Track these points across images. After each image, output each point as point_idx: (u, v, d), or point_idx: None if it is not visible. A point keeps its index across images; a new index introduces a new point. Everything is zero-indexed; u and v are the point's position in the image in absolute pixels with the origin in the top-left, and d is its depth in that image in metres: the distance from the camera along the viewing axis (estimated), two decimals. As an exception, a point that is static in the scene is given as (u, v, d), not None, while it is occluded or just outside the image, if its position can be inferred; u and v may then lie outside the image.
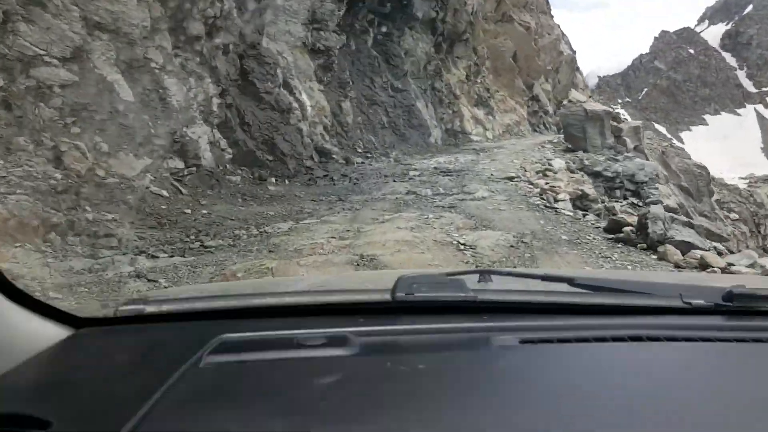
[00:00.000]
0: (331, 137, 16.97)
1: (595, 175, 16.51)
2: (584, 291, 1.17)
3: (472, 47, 28.35)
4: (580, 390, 0.82)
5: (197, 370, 0.85)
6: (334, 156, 15.40)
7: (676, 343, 0.97)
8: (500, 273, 1.53)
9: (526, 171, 15.07)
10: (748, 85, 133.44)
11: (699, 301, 1.08)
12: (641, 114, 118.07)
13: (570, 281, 1.21)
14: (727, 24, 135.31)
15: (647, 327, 1.02)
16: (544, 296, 1.17)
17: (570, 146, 19.45)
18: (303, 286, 1.75)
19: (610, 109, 18.06)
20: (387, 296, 1.07)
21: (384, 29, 22.47)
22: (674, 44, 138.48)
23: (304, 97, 15.63)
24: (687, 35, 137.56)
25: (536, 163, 16.48)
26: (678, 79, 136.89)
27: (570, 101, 17.60)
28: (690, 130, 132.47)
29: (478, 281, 1.38)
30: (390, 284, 1.11)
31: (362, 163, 16.05)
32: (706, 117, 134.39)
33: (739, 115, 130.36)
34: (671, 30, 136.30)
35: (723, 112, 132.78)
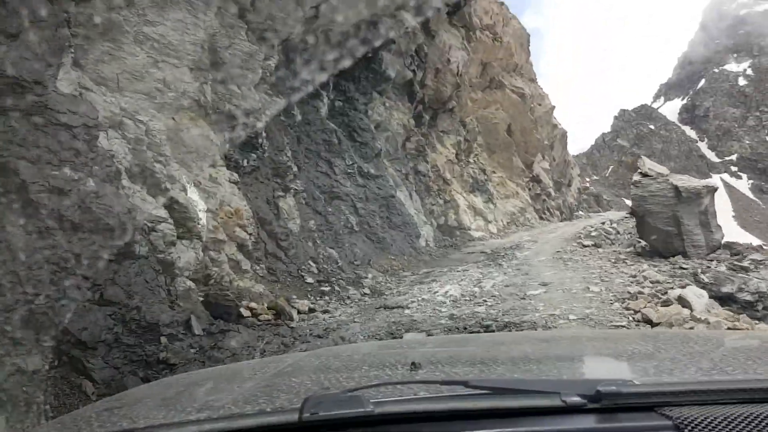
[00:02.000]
0: (255, 264, 9.10)
1: (723, 300, 8.97)
2: (478, 392, 1.18)
3: (459, 119, 21.40)
4: None
5: None
6: (249, 312, 7.44)
7: None
8: (407, 382, 1.45)
9: (626, 303, 7.35)
10: (711, 156, 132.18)
11: (574, 399, 1.09)
12: (610, 190, 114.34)
13: (465, 384, 1.21)
14: (682, 99, 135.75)
15: None
16: (437, 404, 1.17)
17: (645, 246, 11.90)
18: (248, 385, 1.74)
19: (713, 184, 10.59)
20: (295, 417, 1.09)
21: (345, 93, 15.27)
22: (634, 121, 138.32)
23: (192, 195, 7.92)
24: (645, 112, 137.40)
25: (620, 283, 8.79)
26: (642, 154, 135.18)
27: (643, 173, 10.05)
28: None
29: (385, 393, 1.33)
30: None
31: (308, 317, 8.07)
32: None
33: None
34: (629, 108, 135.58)
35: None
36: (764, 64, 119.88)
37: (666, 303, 7.38)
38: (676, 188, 10.71)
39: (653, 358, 1.69)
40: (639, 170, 11.65)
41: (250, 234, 9.04)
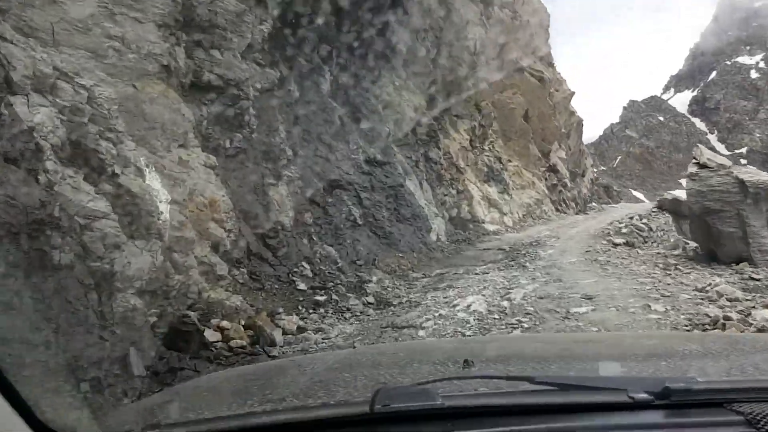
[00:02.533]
0: (233, 268, 7.34)
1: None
2: (543, 388, 1.17)
3: (474, 102, 19.50)
4: None
5: None
6: (219, 334, 5.69)
7: None
8: (472, 377, 1.45)
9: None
10: (721, 148, 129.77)
11: (642, 395, 1.07)
12: (618, 181, 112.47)
13: (531, 380, 1.21)
14: (693, 91, 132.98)
15: (599, 428, 1.07)
16: (505, 398, 1.19)
17: (696, 249, 10.10)
18: (303, 379, 1.71)
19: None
20: (366, 408, 1.07)
21: (350, 69, 13.42)
22: (643, 112, 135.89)
23: (151, 183, 6.15)
24: (655, 103, 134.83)
25: (689, 300, 7.00)
26: (651, 145, 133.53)
27: (700, 164, 8.17)
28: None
29: (449, 388, 1.31)
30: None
31: (296, 338, 6.27)
32: (683, 181, 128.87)
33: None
34: (639, 99, 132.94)
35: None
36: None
37: (762, 329, 5.60)
38: (741, 183, 8.88)
39: (712, 357, 1.67)
40: (695, 160, 9.81)
41: (229, 231, 7.28)
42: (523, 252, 13.19)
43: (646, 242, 14.18)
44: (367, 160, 12.94)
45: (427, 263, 12.34)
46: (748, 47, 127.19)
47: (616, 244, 13.39)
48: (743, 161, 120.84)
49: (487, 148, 19.73)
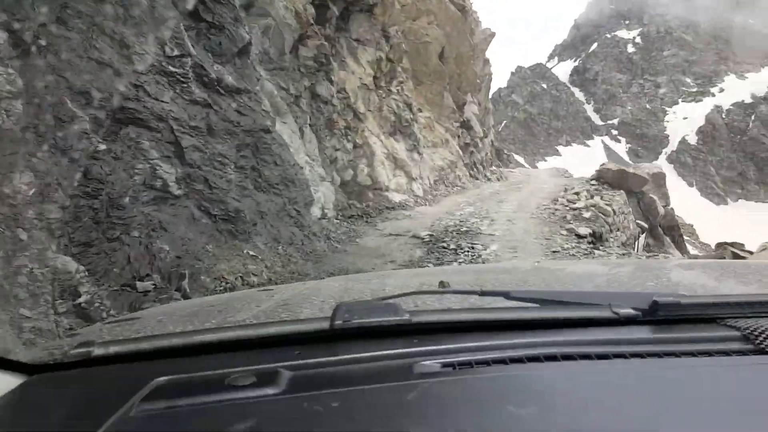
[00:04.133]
0: None
1: None
2: (519, 305, 1.08)
3: (382, 27, 14.00)
4: (501, 416, 0.73)
5: (128, 419, 0.78)
6: None
7: (606, 361, 0.88)
8: (441, 292, 1.33)
9: None
10: (596, 119, 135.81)
11: (627, 311, 0.99)
12: (503, 145, 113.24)
13: (506, 295, 1.11)
14: (574, 61, 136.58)
15: (578, 343, 0.93)
16: (477, 314, 1.05)
17: None
18: (267, 304, 1.56)
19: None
20: (325, 324, 0.97)
21: None
22: (529, 79, 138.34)
23: None
24: (540, 71, 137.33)
25: None
26: (533, 112, 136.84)
27: None
28: (545, 160, 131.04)
29: (416, 303, 1.24)
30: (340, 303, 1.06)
31: None
32: (559, 148, 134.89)
33: (588, 146, 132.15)
34: (526, 66, 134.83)
35: (574, 144, 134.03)
36: (652, 33, 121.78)
37: None
38: None
39: (703, 277, 1.56)
40: None
41: None
42: (452, 246, 8.27)
43: (611, 232, 9.80)
44: (202, 79, 7.13)
45: (301, 266, 6.98)
46: (626, 21, 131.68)
47: (580, 237, 8.86)
48: (614, 132, 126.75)
49: (395, 90, 14.42)
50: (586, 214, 9.72)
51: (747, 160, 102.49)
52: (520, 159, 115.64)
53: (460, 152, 17.95)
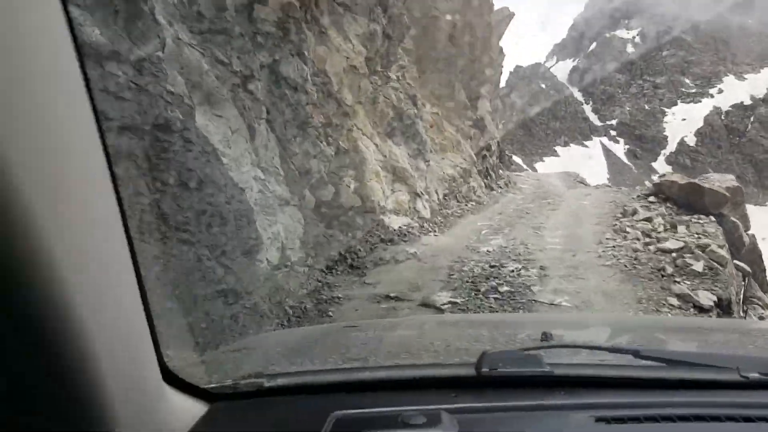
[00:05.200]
0: None
1: None
2: (649, 363, 1.09)
3: (378, -8, 10.24)
4: None
5: None
6: None
7: (735, 423, 0.90)
8: (573, 346, 1.35)
9: None
10: (594, 119, 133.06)
11: (755, 375, 0.99)
12: (502, 146, 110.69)
13: (635, 353, 1.12)
14: (573, 60, 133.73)
15: (709, 405, 0.97)
16: (613, 370, 1.11)
17: None
18: (373, 345, 1.62)
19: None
20: (472, 371, 1.03)
21: None
22: (527, 79, 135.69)
23: None
24: (539, 70, 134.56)
25: None
26: (532, 112, 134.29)
27: None
28: (543, 161, 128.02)
29: (552, 355, 1.19)
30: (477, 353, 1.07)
31: None
32: (557, 149, 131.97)
33: (586, 147, 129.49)
34: (524, 65, 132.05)
35: (572, 144, 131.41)
36: (651, 33, 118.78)
37: None
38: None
39: None
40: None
41: None
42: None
43: (737, 294, 6.11)
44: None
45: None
46: (626, 21, 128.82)
47: (703, 309, 5.19)
48: (613, 132, 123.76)
49: (394, 76, 10.69)
50: (696, 265, 6.05)
51: (745, 162, 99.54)
52: (518, 160, 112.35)
53: (474, 157, 14.29)
